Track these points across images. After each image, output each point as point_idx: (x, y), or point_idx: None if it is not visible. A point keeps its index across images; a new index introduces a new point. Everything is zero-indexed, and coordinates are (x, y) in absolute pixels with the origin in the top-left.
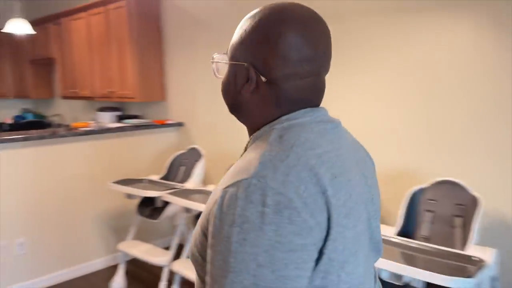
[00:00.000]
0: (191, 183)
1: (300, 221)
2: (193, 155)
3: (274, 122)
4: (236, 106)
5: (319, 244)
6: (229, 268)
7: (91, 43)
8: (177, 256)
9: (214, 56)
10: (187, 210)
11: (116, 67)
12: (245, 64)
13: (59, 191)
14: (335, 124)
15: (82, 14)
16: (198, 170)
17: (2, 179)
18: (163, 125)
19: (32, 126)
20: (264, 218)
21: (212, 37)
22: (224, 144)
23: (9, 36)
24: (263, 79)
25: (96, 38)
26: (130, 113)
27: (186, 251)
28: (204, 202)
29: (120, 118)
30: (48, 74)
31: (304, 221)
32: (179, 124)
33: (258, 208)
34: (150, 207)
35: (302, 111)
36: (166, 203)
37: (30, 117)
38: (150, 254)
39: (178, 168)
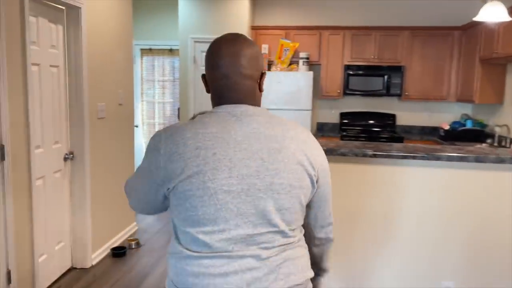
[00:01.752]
0: None
1: (155, 160)
2: None
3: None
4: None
5: (163, 179)
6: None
7: None
8: None
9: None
10: None
11: None
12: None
13: (489, 227)
14: (237, 117)
15: None
16: None
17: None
18: None
19: (468, 135)
20: (147, 150)
21: None
22: None
23: (478, 28)
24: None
25: None
26: None
27: None
28: None
29: None
30: (500, 76)
31: (157, 161)
32: None
33: (149, 145)
34: None
35: (223, 105)
36: None
37: (468, 125)
38: None
39: None
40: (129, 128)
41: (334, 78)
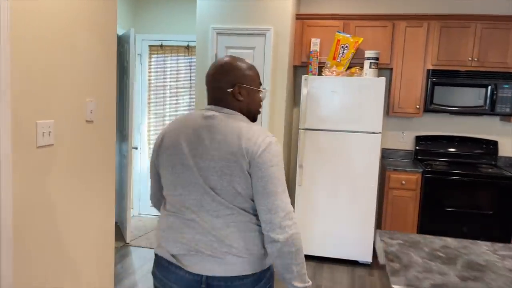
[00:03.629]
0: None
1: (153, 151)
2: None
3: None
4: None
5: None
6: None
7: None
8: None
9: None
10: None
11: None
12: None
13: None
14: (207, 115)
15: None
16: None
17: None
18: None
19: None
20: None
21: None
22: None
23: None
24: None
25: None
26: None
27: None
28: None
29: None
30: None
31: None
32: None
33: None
34: None
35: (207, 106)
36: None
37: None
38: None
39: None
40: (107, 165)
41: (411, 88)
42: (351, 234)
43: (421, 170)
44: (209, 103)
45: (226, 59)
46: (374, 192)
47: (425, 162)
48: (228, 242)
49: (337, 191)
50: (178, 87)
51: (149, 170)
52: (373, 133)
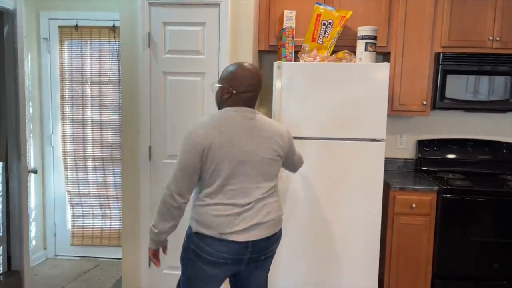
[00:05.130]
0: None
1: (192, 143)
2: None
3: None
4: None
5: (202, 156)
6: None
7: None
8: None
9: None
10: None
11: None
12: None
13: None
14: (251, 117)
15: None
16: None
17: None
18: None
19: None
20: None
21: None
22: None
23: None
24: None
25: None
26: None
27: None
28: None
29: None
30: None
31: (194, 143)
32: None
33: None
34: None
35: (246, 108)
36: None
37: None
38: None
39: None
40: None
41: (416, 78)
42: (346, 283)
43: (436, 188)
44: (245, 105)
45: (254, 68)
46: (377, 224)
47: (433, 175)
48: (267, 211)
49: (324, 227)
50: (102, 83)
51: (184, 170)
52: (374, 140)
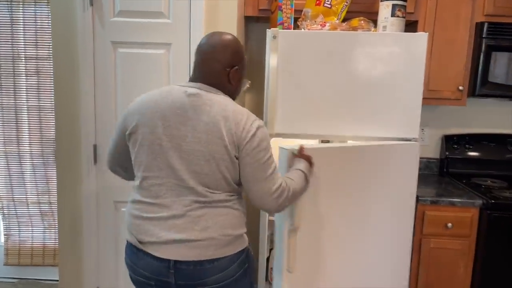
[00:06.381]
0: None
1: (120, 120)
2: None
3: None
4: None
5: (125, 132)
6: None
7: None
8: None
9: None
10: None
11: None
12: None
13: None
14: (191, 93)
15: None
16: None
17: None
18: None
19: None
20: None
21: None
22: None
23: None
24: None
25: None
26: None
27: None
28: None
29: None
30: None
31: (122, 120)
32: None
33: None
34: None
35: (190, 82)
36: None
37: None
38: None
39: None
40: None
41: (450, 56)
42: None
43: (479, 202)
44: (193, 79)
45: (230, 36)
46: (407, 248)
47: (466, 181)
48: (204, 225)
49: (345, 250)
50: (40, 58)
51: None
52: (407, 140)
